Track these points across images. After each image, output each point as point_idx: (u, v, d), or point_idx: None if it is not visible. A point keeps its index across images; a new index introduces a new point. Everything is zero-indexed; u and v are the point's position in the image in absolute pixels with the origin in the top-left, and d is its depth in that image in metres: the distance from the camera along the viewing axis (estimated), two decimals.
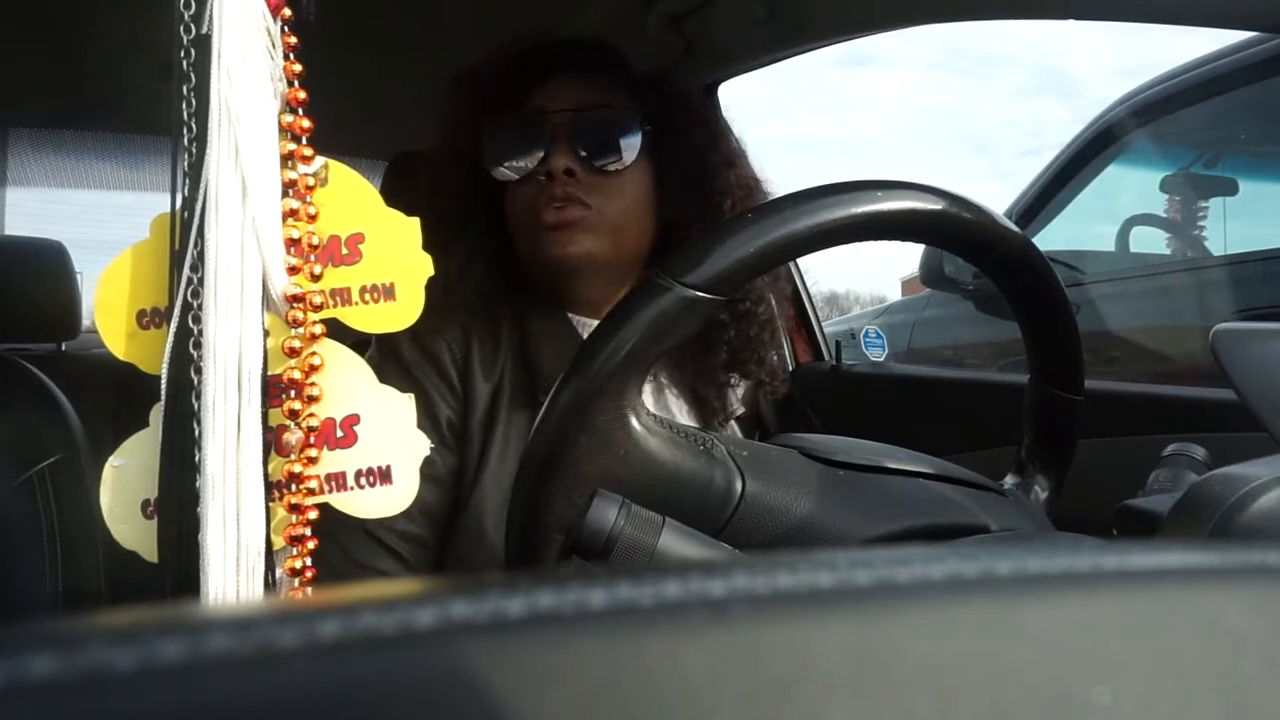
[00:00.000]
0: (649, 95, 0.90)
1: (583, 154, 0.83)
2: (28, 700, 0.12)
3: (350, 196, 0.43)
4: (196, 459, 0.37)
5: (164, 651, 0.13)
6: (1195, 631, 0.17)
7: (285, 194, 0.41)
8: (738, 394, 0.95)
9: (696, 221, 0.87)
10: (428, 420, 0.81)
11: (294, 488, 0.41)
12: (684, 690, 0.14)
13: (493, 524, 0.80)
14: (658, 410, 0.78)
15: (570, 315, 0.89)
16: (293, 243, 0.41)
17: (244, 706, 0.13)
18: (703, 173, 0.88)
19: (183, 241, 0.39)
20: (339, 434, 0.43)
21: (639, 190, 0.87)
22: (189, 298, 0.38)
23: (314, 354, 0.42)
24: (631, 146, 0.85)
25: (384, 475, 0.44)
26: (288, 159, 0.41)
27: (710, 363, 0.90)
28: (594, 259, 0.84)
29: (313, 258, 0.42)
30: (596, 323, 0.85)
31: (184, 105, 0.39)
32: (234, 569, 0.37)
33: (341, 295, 0.43)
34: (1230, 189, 2.34)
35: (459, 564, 0.80)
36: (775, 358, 0.94)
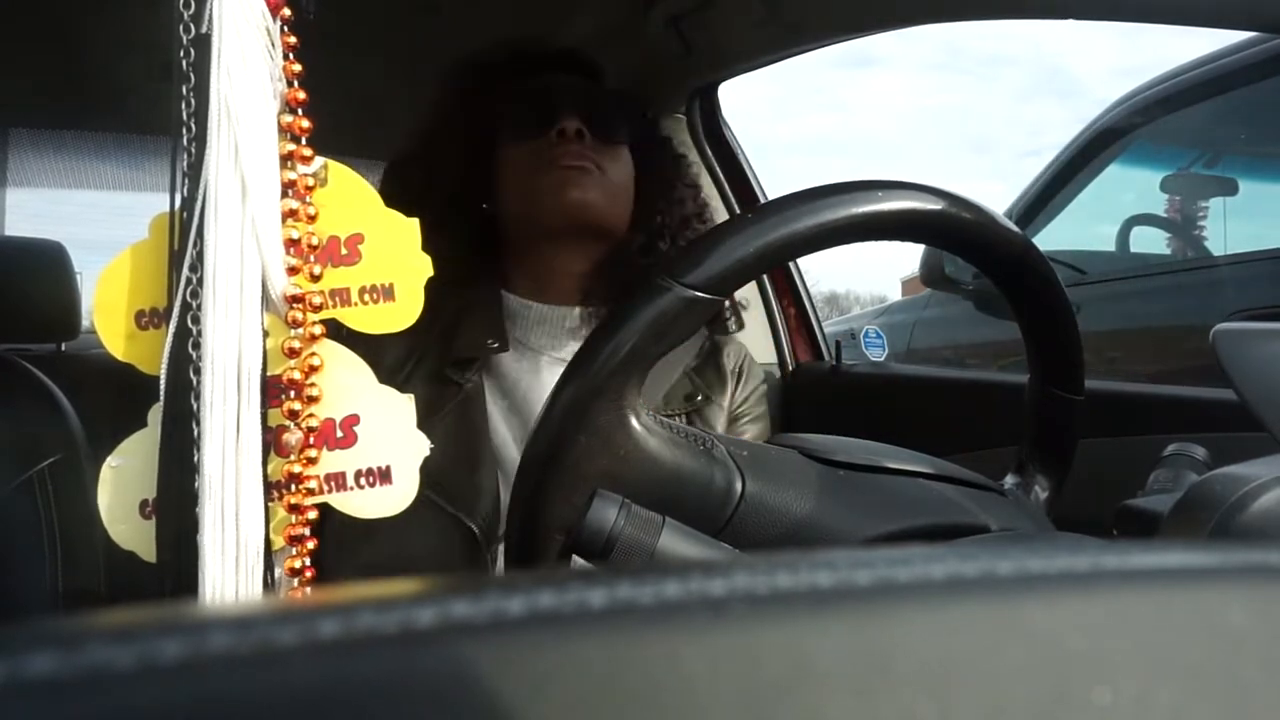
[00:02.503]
0: (632, 110, 0.99)
1: (591, 121, 0.90)
2: (27, 699, 0.12)
3: (350, 197, 0.43)
4: (195, 459, 0.37)
5: (164, 650, 0.13)
6: (1195, 631, 0.17)
7: (285, 194, 0.41)
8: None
9: (648, 233, 0.96)
10: None
11: (293, 488, 0.41)
12: (684, 690, 0.14)
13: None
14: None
15: (505, 293, 0.95)
16: (292, 243, 0.41)
17: (244, 705, 0.13)
18: (667, 191, 0.99)
19: (182, 242, 0.39)
20: (338, 434, 0.43)
21: (629, 172, 0.95)
22: (188, 298, 0.38)
23: (313, 354, 0.42)
24: (631, 129, 0.95)
25: (384, 475, 0.44)
26: (287, 159, 0.41)
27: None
28: (589, 211, 0.90)
29: (312, 258, 0.42)
30: (533, 304, 0.94)
31: (183, 105, 0.39)
32: (233, 569, 0.37)
33: (341, 296, 0.43)
34: (1230, 189, 2.34)
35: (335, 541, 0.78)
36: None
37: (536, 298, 0.94)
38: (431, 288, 0.83)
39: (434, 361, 0.87)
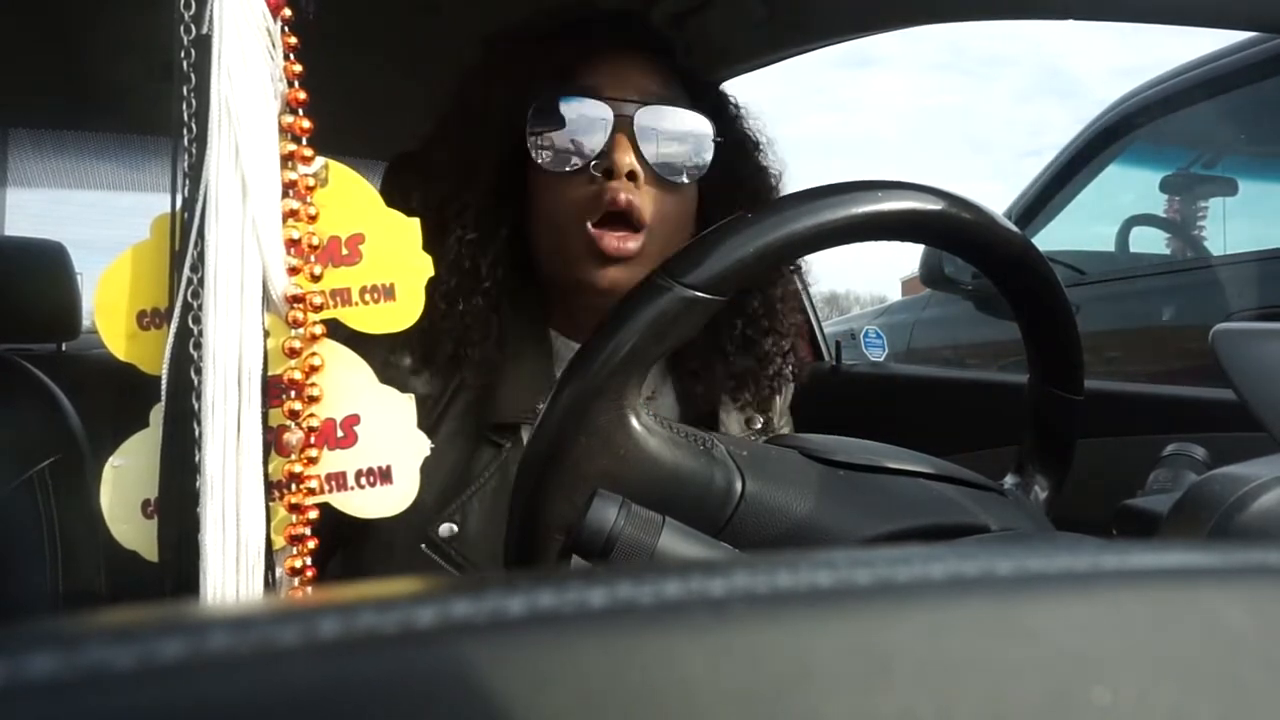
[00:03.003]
0: (704, 97, 0.78)
1: (648, 156, 0.71)
2: (28, 699, 0.12)
3: (350, 197, 0.43)
4: (196, 459, 0.37)
5: (164, 650, 0.13)
6: (1195, 631, 0.17)
7: (285, 194, 0.41)
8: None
9: None
10: None
11: (294, 487, 0.41)
12: (684, 690, 0.14)
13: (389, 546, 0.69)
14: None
15: (553, 333, 0.78)
16: (293, 243, 0.41)
17: (244, 705, 0.13)
18: (743, 187, 0.78)
19: (183, 242, 0.39)
20: (339, 434, 0.43)
21: (691, 206, 0.76)
22: (189, 298, 0.38)
23: (314, 354, 0.42)
24: (703, 157, 0.74)
25: (384, 475, 0.44)
26: (288, 159, 0.41)
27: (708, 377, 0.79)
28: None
29: (313, 258, 0.42)
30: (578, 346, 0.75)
31: (184, 106, 0.39)
32: (234, 568, 0.37)
33: (341, 296, 0.43)
34: (1230, 189, 2.34)
35: (358, 569, 0.70)
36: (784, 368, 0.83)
37: (583, 338, 0.79)
38: (463, 310, 0.67)
39: (472, 416, 0.72)
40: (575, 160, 0.70)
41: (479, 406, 0.72)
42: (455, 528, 0.69)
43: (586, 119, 0.70)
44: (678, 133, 0.72)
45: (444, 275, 0.68)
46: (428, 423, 0.67)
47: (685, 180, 0.73)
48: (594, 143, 0.70)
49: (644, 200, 0.71)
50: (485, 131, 0.73)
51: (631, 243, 0.70)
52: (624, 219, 0.70)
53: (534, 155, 0.71)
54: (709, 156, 0.74)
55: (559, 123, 0.71)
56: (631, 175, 0.70)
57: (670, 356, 0.69)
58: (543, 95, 0.71)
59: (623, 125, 0.70)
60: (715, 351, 0.78)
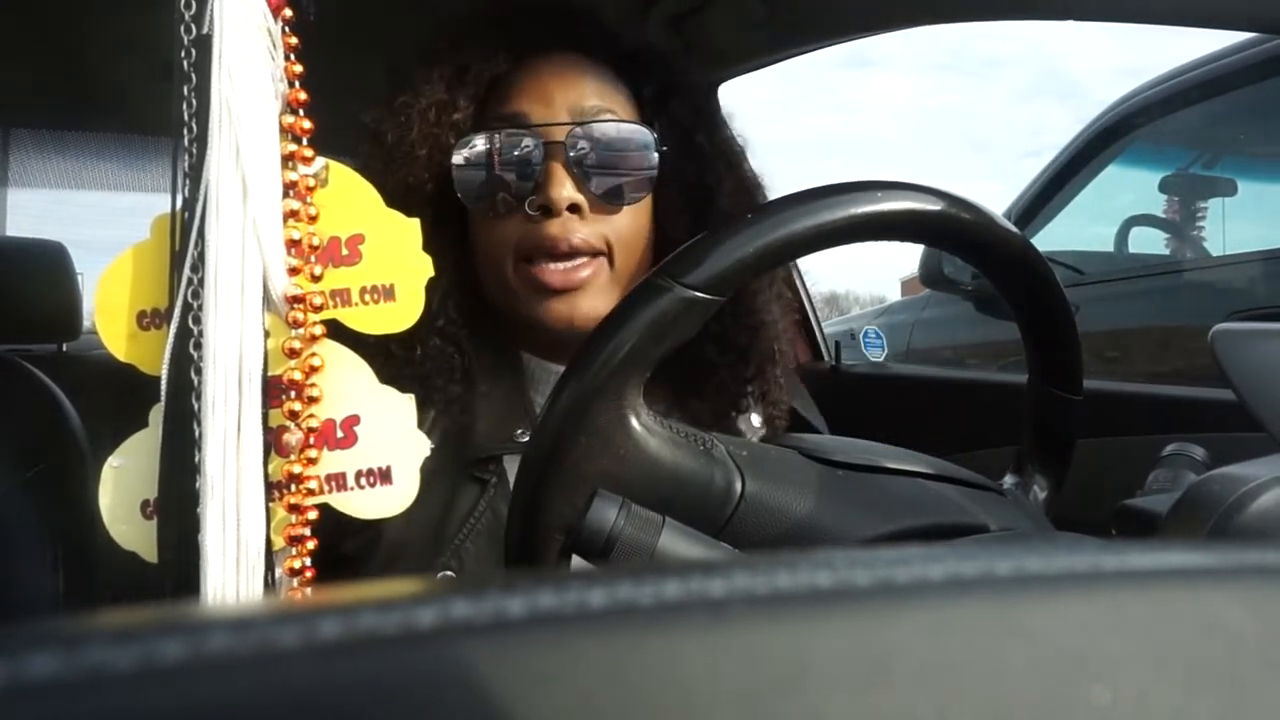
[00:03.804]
0: (652, 87, 0.71)
1: (593, 179, 0.64)
2: (28, 700, 0.12)
3: (350, 197, 0.43)
4: (196, 459, 0.37)
5: (164, 651, 0.13)
6: (1194, 631, 0.17)
7: (286, 195, 0.41)
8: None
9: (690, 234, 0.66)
10: None
11: (294, 488, 0.41)
12: (684, 690, 0.14)
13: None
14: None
15: (526, 356, 0.71)
16: (293, 244, 0.41)
17: (244, 706, 0.13)
18: (705, 181, 0.71)
19: (183, 242, 0.39)
20: (339, 434, 0.43)
21: (647, 218, 0.69)
22: (189, 299, 0.38)
23: (314, 355, 0.42)
24: (650, 172, 0.67)
25: (384, 475, 0.44)
26: (288, 160, 0.41)
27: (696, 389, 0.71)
28: (589, 321, 0.63)
29: (313, 259, 0.42)
30: (558, 367, 0.67)
31: (185, 106, 0.39)
32: (234, 569, 0.38)
33: (341, 296, 0.43)
34: (1229, 189, 2.34)
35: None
36: (777, 380, 0.74)
37: (558, 358, 0.69)
38: (421, 354, 0.59)
39: (451, 452, 0.64)
40: (507, 199, 0.64)
41: (457, 442, 0.65)
42: (451, 575, 0.64)
43: (513, 152, 0.63)
44: (620, 151, 0.65)
45: None
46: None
47: (634, 201, 0.66)
48: (525, 178, 0.63)
49: (591, 230, 0.64)
50: (407, 164, 0.65)
51: (583, 271, 0.64)
52: (570, 254, 0.64)
53: (459, 195, 0.65)
54: (655, 167, 0.67)
55: (483, 158, 0.64)
56: (574, 208, 0.63)
57: (670, 378, 0.62)
58: (461, 124, 0.64)
59: (555, 153, 0.63)
60: (703, 363, 0.70)
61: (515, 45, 0.66)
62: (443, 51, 0.68)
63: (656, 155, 0.67)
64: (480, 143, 0.64)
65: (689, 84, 0.75)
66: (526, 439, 0.61)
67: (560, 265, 0.63)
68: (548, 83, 0.65)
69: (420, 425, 0.53)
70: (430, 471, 0.53)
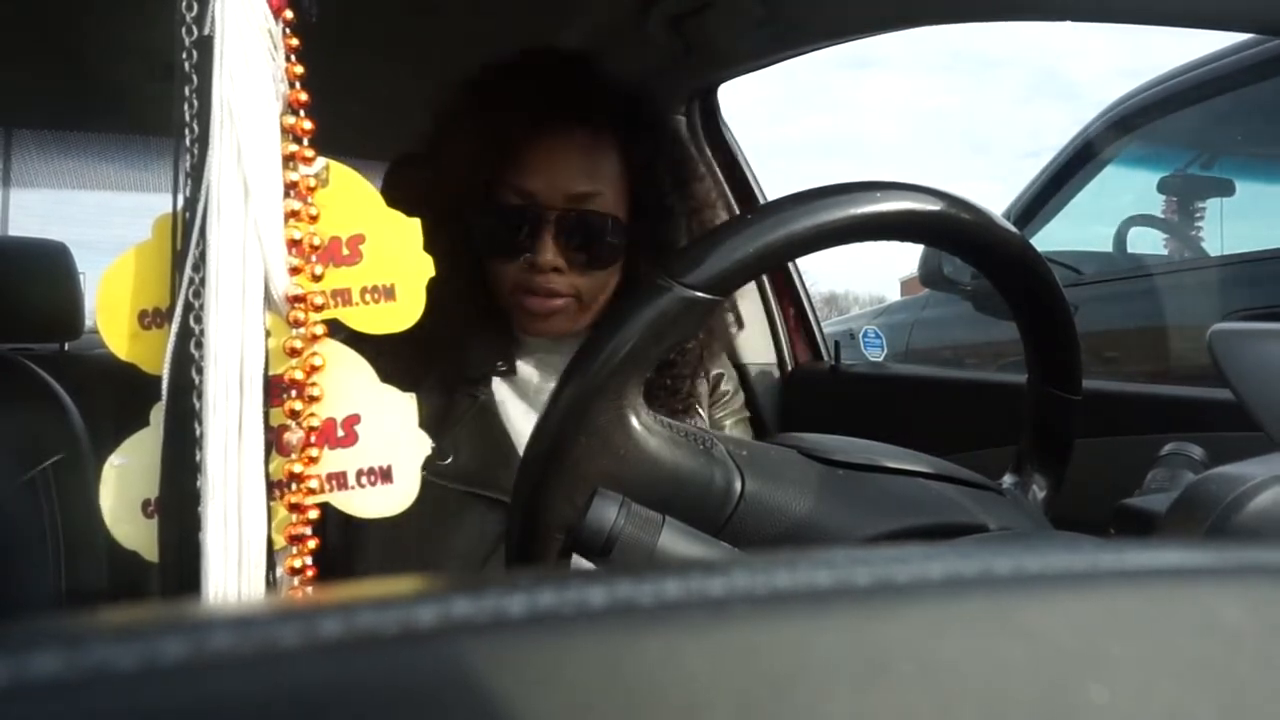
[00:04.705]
0: (633, 127, 0.88)
1: (572, 251, 0.84)
2: (31, 698, 0.12)
3: (351, 197, 0.43)
4: (197, 459, 0.38)
5: (166, 650, 0.13)
6: (1192, 630, 0.17)
7: (287, 195, 0.41)
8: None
9: (659, 247, 0.88)
10: None
11: (295, 487, 0.41)
12: (684, 690, 0.14)
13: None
14: None
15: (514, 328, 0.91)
16: (294, 243, 0.41)
17: (245, 705, 0.13)
18: (671, 208, 0.90)
19: (184, 242, 0.39)
20: (340, 433, 0.43)
21: (614, 272, 0.88)
22: (191, 298, 0.38)
23: (315, 354, 0.42)
24: (618, 247, 0.86)
25: (385, 475, 0.44)
26: (289, 160, 0.41)
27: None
28: (570, 332, 0.87)
29: (314, 258, 0.42)
30: (542, 338, 0.89)
31: (186, 107, 0.39)
32: (235, 568, 0.38)
33: (342, 296, 0.43)
34: (1227, 190, 2.34)
35: (378, 545, 0.82)
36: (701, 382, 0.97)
37: (526, 330, 0.91)
38: (435, 303, 0.79)
39: (443, 374, 0.86)
40: (507, 248, 0.84)
41: (447, 370, 0.85)
42: (450, 457, 0.82)
43: (518, 218, 0.83)
44: (596, 236, 0.85)
45: None
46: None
47: (600, 267, 0.86)
48: (523, 238, 0.83)
49: (565, 282, 0.84)
50: (450, 213, 0.82)
51: (557, 302, 0.85)
52: (549, 295, 0.85)
53: (474, 237, 0.84)
54: (623, 244, 0.86)
55: (495, 215, 0.84)
56: (557, 269, 0.83)
57: None
58: (482, 186, 0.83)
59: (547, 227, 0.82)
60: (665, 364, 0.90)
61: (542, 121, 0.83)
62: (479, 113, 0.84)
63: (623, 231, 0.86)
64: (495, 204, 0.84)
65: (661, 119, 0.97)
66: (504, 369, 0.88)
67: (541, 300, 0.85)
68: (556, 165, 0.83)
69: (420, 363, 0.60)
70: (426, 388, 0.71)
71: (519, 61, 0.87)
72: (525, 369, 0.90)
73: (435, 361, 0.84)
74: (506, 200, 0.83)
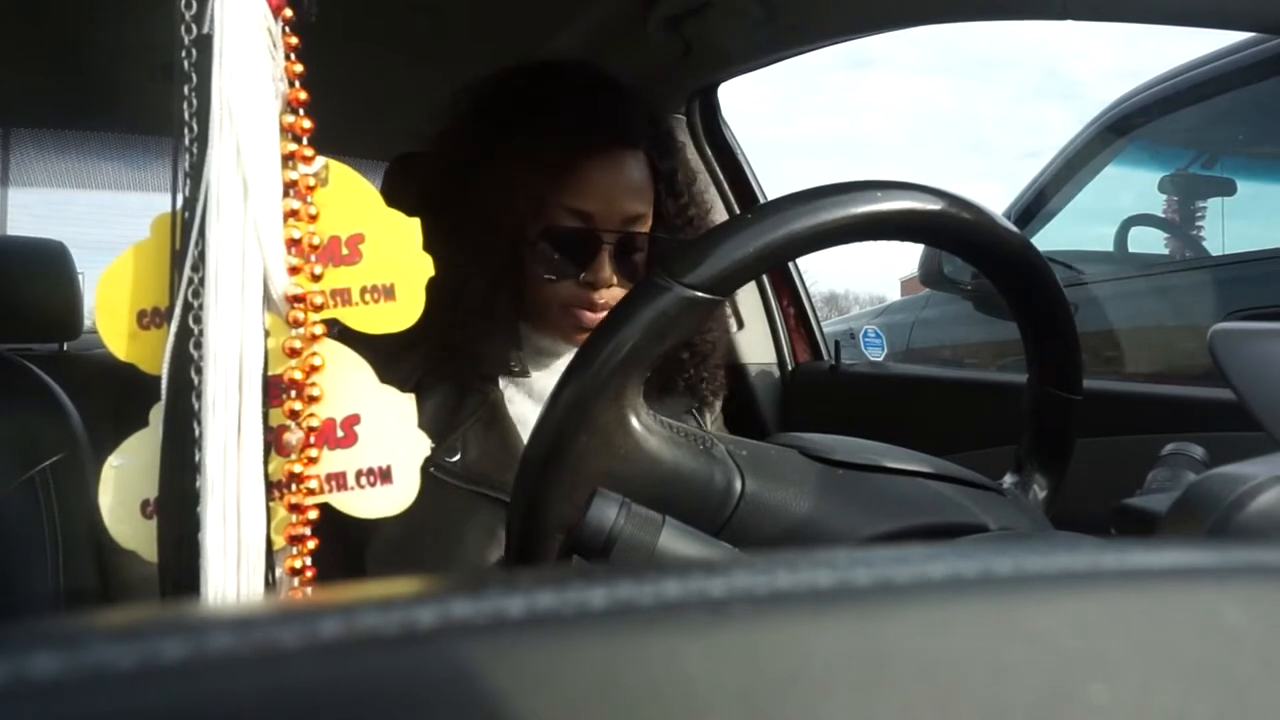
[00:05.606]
0: (657, 144, 0.92)
1: (624, 268, 0.88)
2: (30, 699, 0.12)
3: (351, 197, 0.43)
4: (197, 459, 0.37)
5: (165, 650, 0.13)
6: (1193, 630, 0.17)
7: (286, 194, 0.41)
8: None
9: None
10: None
11: (294, 487, 0.41)
12: (684, 690, 0.14)
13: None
14: None
15: (524, 328, 0.93)
16: (293, 243, 0.41)
17: (245, 705, 0.13)
18: (693, 217, 0.94)
19: (184, 241, 0.39)
20: (339, 434, 0.43)
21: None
22: (190, 298, 0.38)
23: (314, 354, 0.42)
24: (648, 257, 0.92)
25: (384, 475, 0.44)
26: (288, 159, 0.41)
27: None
28: None
29: (313, 258, 0.42)
30: (557, 341, 0.91)
31: (185, 105, 0.39)
32: (234, 568, 0.38)
33: (342, 295, 0.43)
34: (1228, 189, 2.34)
35: (384, 543, 0.83)
36: (720, 376, 1.00)
37: (557, 337, 0.93)
38: (447, 302, 0.76)
39: (455, 372, 0.87)
40: (567, 271, 0.87)
41: (458, 368, 0.87)
42: (459, 454, 0.84)
43: (579, 245, 0.86)
44: (641, 250, 0.90)
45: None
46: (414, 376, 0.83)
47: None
48: (582, 261, 0.86)
49: (613, 294, 0.88)
50: (484, 224, 0.85)
51: (600, 312, 0.87)
52: (603, 309, 0.88)
53: (531, 264, 0.87)
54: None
55: (556, 242, 0.86)
56: (609, 285, 0.87)
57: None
58: (541, 213, 0.85)
59: (605, 248, 0.86)
60: (675, 364, 0.94)
61: (594, 143, 0.86)
62: (528, 132, 0.86)
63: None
64: (557, 232, 0.86)
65: (674, 136, 0.99)
66: (516, 370, 0.89)
67: (596, 315, 0.88)
68: (612, 188, 0.87)
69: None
70: (434, 384, 0.80)
71: (563, 80, 0.90)
72: (535, 369, 0.92)
73: (448, 361, 0.86)
74: (562, 222, 0.86)
